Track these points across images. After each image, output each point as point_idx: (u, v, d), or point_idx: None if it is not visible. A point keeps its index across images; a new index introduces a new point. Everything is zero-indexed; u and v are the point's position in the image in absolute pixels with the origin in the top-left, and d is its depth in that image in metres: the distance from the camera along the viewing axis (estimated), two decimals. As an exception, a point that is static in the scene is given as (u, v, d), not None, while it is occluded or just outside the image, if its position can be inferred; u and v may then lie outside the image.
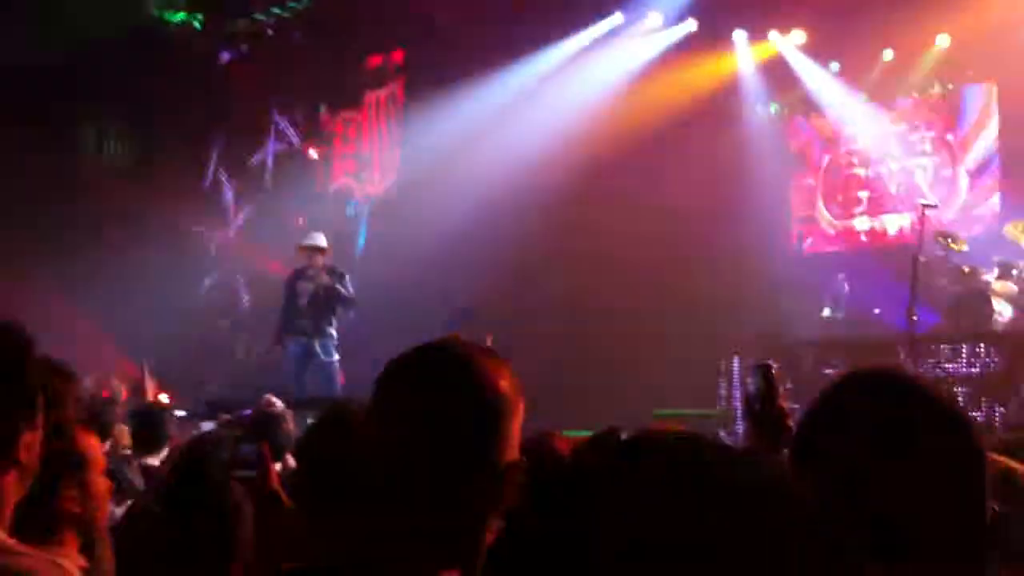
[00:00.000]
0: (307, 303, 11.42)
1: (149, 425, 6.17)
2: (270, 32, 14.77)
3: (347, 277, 11.59)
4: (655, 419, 9.60)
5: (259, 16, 14.57)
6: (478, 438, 1.64)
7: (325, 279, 11.34)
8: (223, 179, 15.03)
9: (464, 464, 1.63)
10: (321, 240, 11.64)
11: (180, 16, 14.40)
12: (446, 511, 1.61)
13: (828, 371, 10.45)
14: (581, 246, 13.08)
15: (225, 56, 14.95)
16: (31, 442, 1.92)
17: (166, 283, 12.75)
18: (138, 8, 13.73)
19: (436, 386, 1.67)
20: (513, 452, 1.68)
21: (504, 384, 1.68)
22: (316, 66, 15.04)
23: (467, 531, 1.63)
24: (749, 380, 2.71)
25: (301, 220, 14.70)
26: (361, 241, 14.97)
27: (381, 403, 1.70)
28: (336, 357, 11.56)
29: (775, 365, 2.69)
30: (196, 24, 14.54)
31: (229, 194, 15.02)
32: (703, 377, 11.71)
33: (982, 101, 13.36)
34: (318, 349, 11.44)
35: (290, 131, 15.26)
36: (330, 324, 11.52)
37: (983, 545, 1.57)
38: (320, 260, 11.53)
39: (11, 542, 1.87)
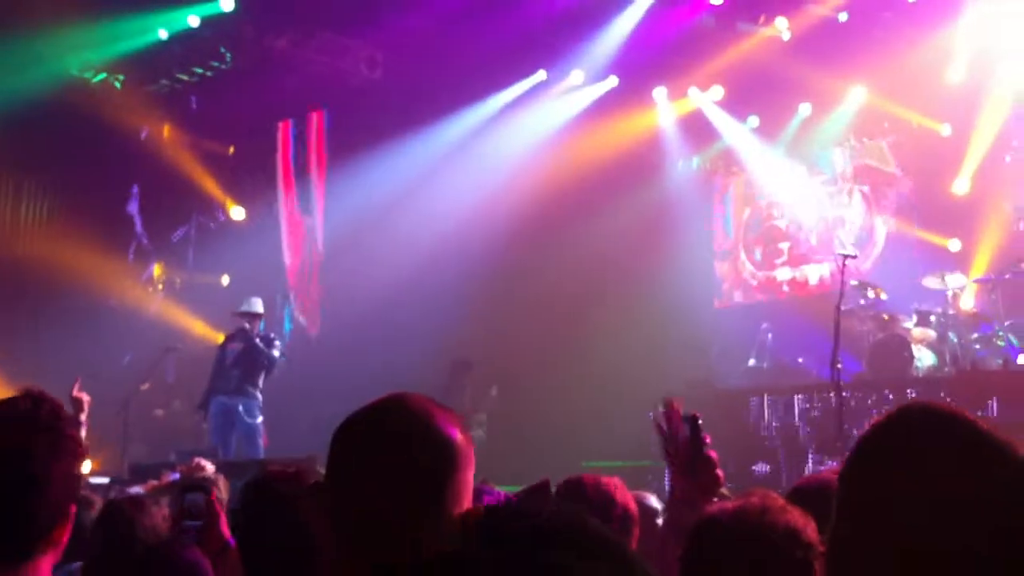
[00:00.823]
0: (231, 363, 11.36)
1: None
2: (192, 97, 14.64)
3: (277, 343, 11.59)
4: (585, 470, 9.56)
5: (181, 76, 14.46)
6: (436, 487, 1.68)
7: (255, 341, 11.31)
8: (144, 240, 14.83)
9: (423, 512, 1.66)
10: (257, 306, 11.60)
11: (100, 76, 14.25)
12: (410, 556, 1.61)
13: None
14: (505, 302, 13.11)
15: (144, 123, 14.80)
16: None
17: (84, 346, 12.49)
18: (59, 66, 13.56)
19: (395, 440, 1.71)
20: (468, 499, 1.72)
21: (457, 436, 1.73)
22: (238, 125, 15.00)
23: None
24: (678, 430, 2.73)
25: (225, 279, 14.59)
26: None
27: (341, 458, 1.74)
28: (260, 419, 11.38)
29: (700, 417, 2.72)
30: (116, 84, 14.39)
31: (149, 254, 14.84)
32: (634, 427, 11.72)
33: (898, 153, 13.70)
34: (241, 410, 11.29)
35: (216, 191, 15.16)
36: (254, 385, 11.39)
37: None
38: (257, 325, 11.49)
39: None
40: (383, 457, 1.70)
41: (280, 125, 15.35)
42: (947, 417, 1.56)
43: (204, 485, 5.45)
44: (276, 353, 11.42)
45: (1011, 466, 1.51)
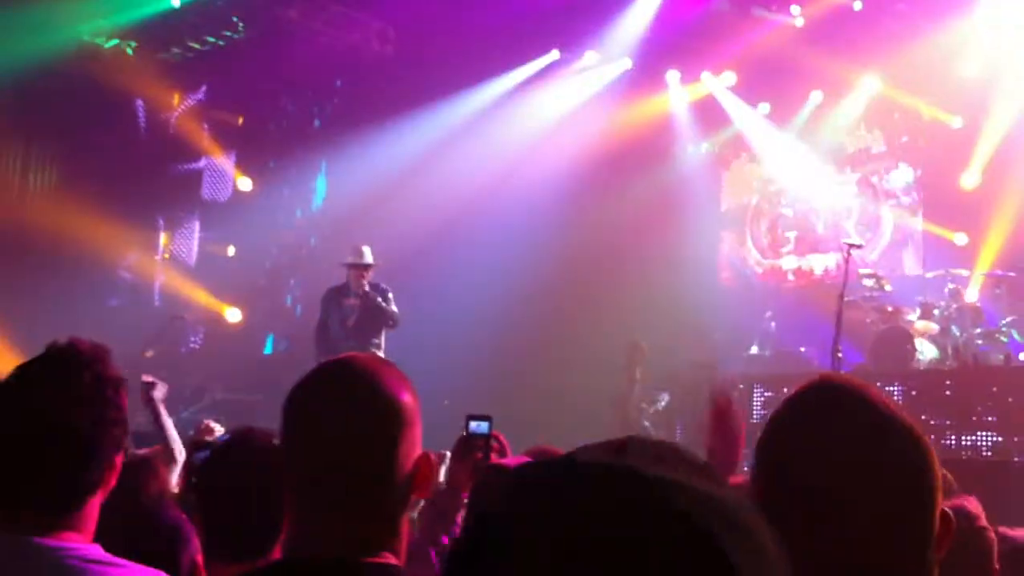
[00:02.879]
0: (354, 323, 10.51)
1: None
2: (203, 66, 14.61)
3: (390, 293, 10.72)
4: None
5: (193, 44, 14.44)
6: (387, 444, 1.79)
7: (372, 297, 10.45)
8: (152, 207, 14.85)
9: (377, 467, 1.78)
10: (369, 256, 10.78)
11: (113, 42, 14.23)
12: (366, 509, 1.78)
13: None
14: (514, 281, 13.08)
15: (154, 92, 14.78)
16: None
17: (91, 315, 12.54)
18: (70, 32, 13.54)
19: (346, 402, 1.81)
20: (418, 451, 1.84)
21: (406, 396, 1.84)
22: (250, 96, 15.00)
23: (388, 522, 1.80)
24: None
25: (231, 250, 14.62)
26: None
27: (295, 421, 1.84)
28: None
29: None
30: (128, 50, 14.38)
31: (160, 223, 14.86)
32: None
33: (907, 143, 13.66)
34: None
35: (225, 162, 15.15)
36: (377, 347, 10.55)
37: None
38: (368, 277, 10.64)
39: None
40: (331, 422, 1.80)
41: (279, 98, 15.29)
42: (848, 390, 1.68)
43: (212, 444, 5.50)
44: (395, 307, 10.55)
45: (898, 434, 1.63)
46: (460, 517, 3.70)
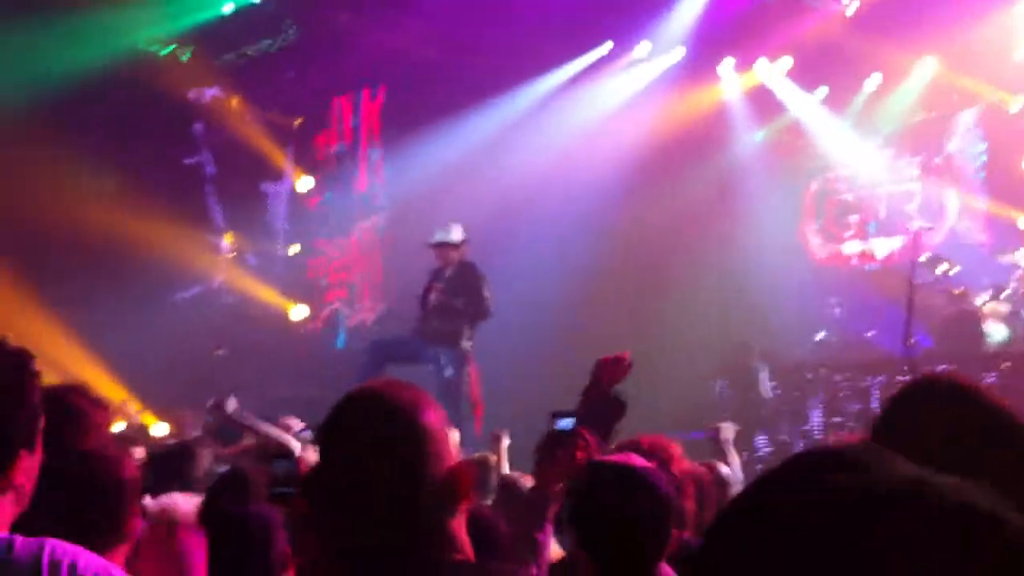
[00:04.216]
0: (434, 303, 10.22)
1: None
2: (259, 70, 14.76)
3: (485, 279, 10.27)
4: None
5: (247, 49, 14.58)
6: (407, 464, 1.93)
7: (452, 278, 10.11)
8: (214, 207, 15.01)
9: (410, 478, 1.92)
10: (453, 234, 10.40)
11: (168, 50, 14.39)
12: (405, 520, 1.91)
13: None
14: (573, 273, 13.07)
15: (210, 93, 14.92)
16: (29, 466, 1.98)
17: (159, 314, 12.71)
18: (126, 41, 13.70)
19: (364, 429, 1.98)
20: (451, 460, 1.99)
21: (428, 416, 1.97)
22: (304, 98, 15.11)
23: (432, 526, 1.92)
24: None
25: (294, 249, 14.76)
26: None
27: (323, 448, 2.06)
28: (457, 373, 10.03)
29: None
30: (183, 57, 14.53)
31: (219, 222, 15.00)
32: (700, 397, 11.74)
33: (968, 125, 13.51)
34: (443, 361, 10.08)
35: (284, 162, 15.26)
36: (456, 333, 10.15)
37: None
38: (455, 257, 10.31)
39: None
40: (351, 449, 1.98)
41: (338, 99, 15.37)
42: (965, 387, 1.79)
43: (288, 452, 5.52)
44: (486, 294, 10.07)
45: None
46: (551, 513, 3.68)
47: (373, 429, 1.96)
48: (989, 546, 0.77)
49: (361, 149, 15.29)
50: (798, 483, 0.83)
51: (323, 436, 2.05)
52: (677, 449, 4.32)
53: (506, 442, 7.06)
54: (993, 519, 0.78)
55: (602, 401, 4.41)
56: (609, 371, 4.47)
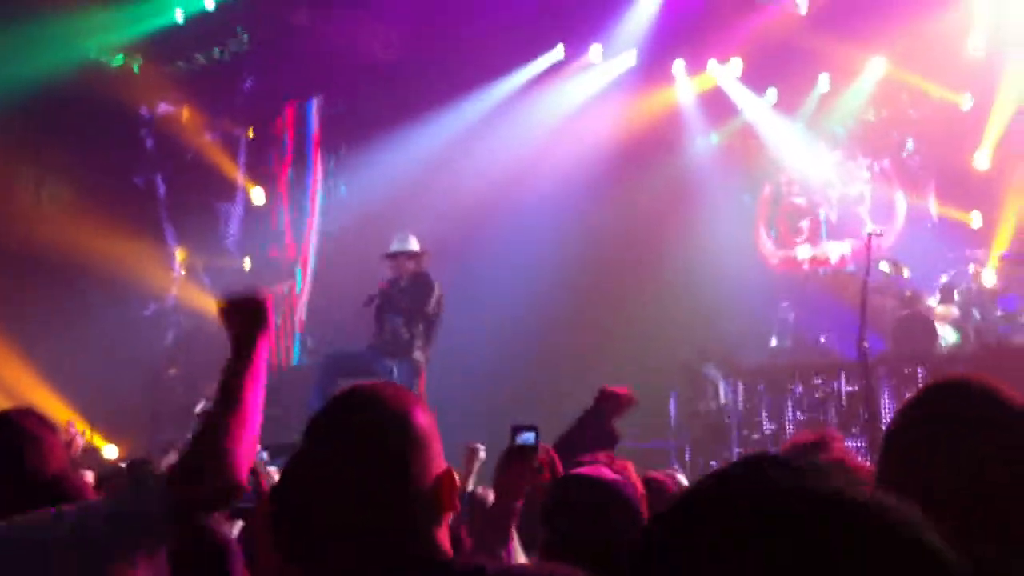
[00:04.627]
0: (375, 314, 10.22)
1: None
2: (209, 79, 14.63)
3: (435, 287, 10.24)
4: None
5: (198, 57, 14.46)
6: (406, 461, 1.88)
7: (406, 289, 10.01)
8: (166, 223, 14.86)
9: (400, 482, 1.86)
10: (404, 244, 10.28)
11: (119, 59, 14.24)
12: (394, 521, 1.86)
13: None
14: (526, 276, 13.07)
15: (162, 107, 14.79)
16: None
17: (108, 333, 12.55)
18: (77, 50, 13.55)
19: (352, 429, 1.91)
20: (439, 466, 1.92)
21: (417, 417, 1.92)
22: (257, 106, 15.01)
23: (420, 532, 1.87)
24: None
25: (247, 263, 14.64)
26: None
27: (309, 450, 1.95)
28: (413, 385, 9.87)
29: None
30: (135, 66, 14.39)
31: (171, 238, 14.85)
32: (652, 404, 11.77)
33: (916, 126, 13.64)
34: (395, 372, 10.04)
35: (235, 174, 15.14)
36: (411, 346, 10.10)
37: None
38: (411, 267, 10.24)
39: None
40: (338, 450, 1.90)
41: (291, 107, 15.29)
42: (988, 389, 1.79)
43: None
44: (431, 302, 10.04)
45: None
46: (514, 528, 3.67)
47: (357, 430, 1.90)
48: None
49: (314, 157, 15.21)
50: (721, 489, 0.90)
51: (312, 434, 1.95)
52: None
53: (482, 456, 6.98)
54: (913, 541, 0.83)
55: (598, 429, 4.43)
56: (615, 403, 4.50)
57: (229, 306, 2.61)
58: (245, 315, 2.59)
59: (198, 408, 5.95)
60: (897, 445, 1.82)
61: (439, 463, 1.93)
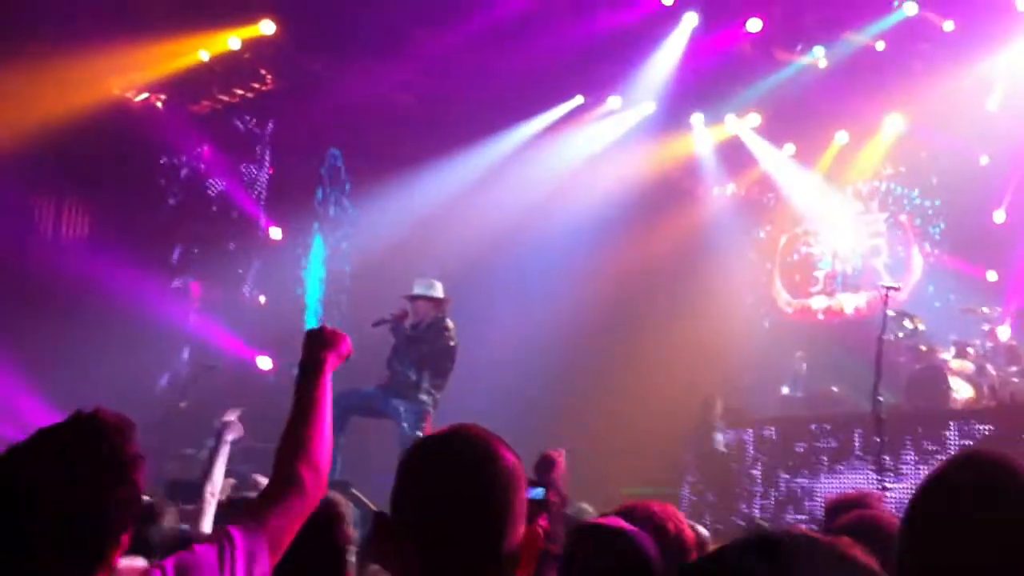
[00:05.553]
0: (389, 356, 10.08)
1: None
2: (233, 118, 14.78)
3: (449, 331, 10.00)
4: (625, 497, 9.57)
5: (222, 96, 14.62)
6: (499, 508, 1.82)
7: (424, 336, 9.84)
8: (183, 258, 14.95)
9: (492, 533, 1.81)
10: (427, 289, 10.07)
11: (142, 96, 14.40)
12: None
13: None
14: (540, 321, 13.08)
15: (184, 145, 14.93)
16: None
17: (123, 365, 12.57)
18: (101, 87, 13.70)
19: (462, 469, 1.84)
20: (523, 522, 1.87)
21: (513, 459, 1.87)
22: (279, 146, 15.16)
23: None
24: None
25: (262, 299, 14.69)
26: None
27: (406, 491, 1.86)
28: (418, 429, 9.66)
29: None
30: (158, 104, 14.55)
31: (188, 274, 14.93)
32: (668, 453, 11.74)
33: (934, 182, 13.66)
34: (401, 414, 9.87)
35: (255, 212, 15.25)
36: (418, 389, 9.93)
37: None
38: (431, 312, 10.02)
39: None
40: (456, 484, 1.82)
41: (308, 147, 15.43)
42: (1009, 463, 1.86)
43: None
44: (441, 343, 9.86)
45: None
46: None
47: (458, 470, 1.83)
48: None
49: (333, 198, 15.32)
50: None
51: (402, 479, 1.87)
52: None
53: None
54: None
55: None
56: (543, 466, 4.52)
57: (311, 335, 2.73)
58: (320, 341, 2.70)
59: (207, 445, 5.92)
60: (920, 516, 1.89)
61: (524, 516, 1.88)
